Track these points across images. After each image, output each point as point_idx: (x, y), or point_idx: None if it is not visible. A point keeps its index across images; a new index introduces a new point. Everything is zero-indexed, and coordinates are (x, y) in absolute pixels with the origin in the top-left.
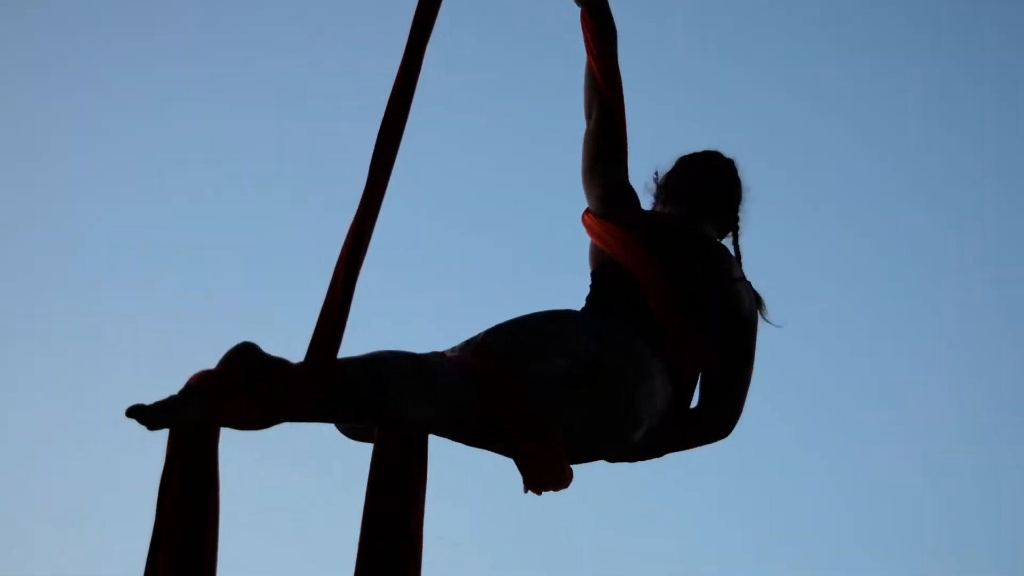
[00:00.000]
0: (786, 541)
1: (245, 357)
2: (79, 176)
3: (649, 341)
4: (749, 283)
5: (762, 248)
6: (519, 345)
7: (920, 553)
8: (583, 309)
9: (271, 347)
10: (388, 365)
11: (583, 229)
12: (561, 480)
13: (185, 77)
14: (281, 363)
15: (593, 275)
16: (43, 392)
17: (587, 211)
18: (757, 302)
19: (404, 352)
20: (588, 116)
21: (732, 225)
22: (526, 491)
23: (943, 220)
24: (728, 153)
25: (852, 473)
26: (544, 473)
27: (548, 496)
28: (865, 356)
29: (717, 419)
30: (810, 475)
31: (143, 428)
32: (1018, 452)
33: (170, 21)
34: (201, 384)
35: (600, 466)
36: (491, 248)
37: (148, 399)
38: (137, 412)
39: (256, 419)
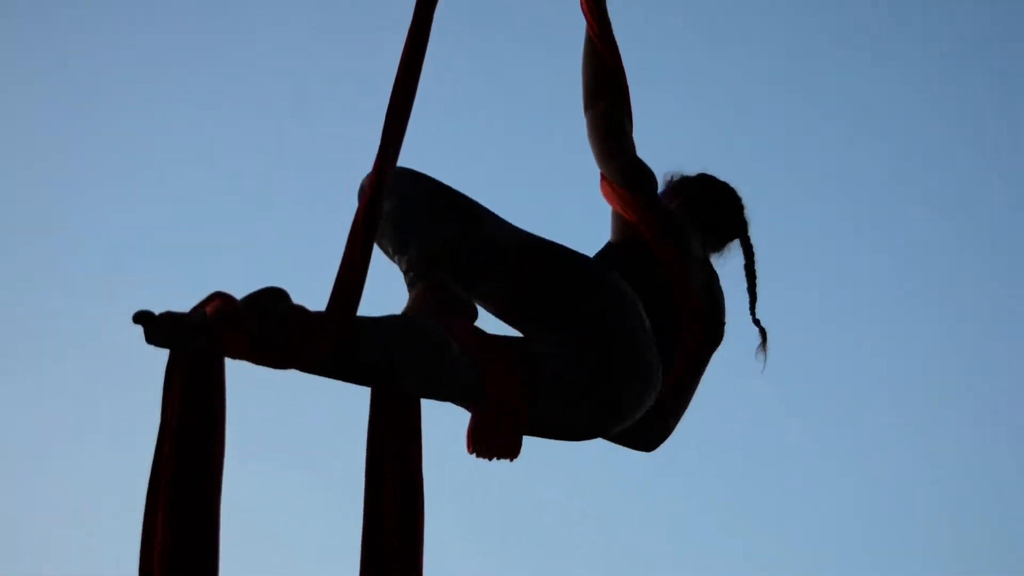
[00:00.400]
0: (786, 542)
1: (267, 304)
2: (80, 179)
3: (658, 331)
4: None
5: (767, 250)
6: (538, 312)
7: (924, 554)
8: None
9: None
10: (401, 337)
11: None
12: (513, 454)
13: (186, 79)
14: (300, 317)
15: (616, 245)
16: (44, 392)
17: (611, 183)
18: (763, 339)
19: (420, 324)
20: (595, 95)
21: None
22: (471, 452)
23: (948, 221)
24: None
25: (858, 475)
26: (500, 446)
27: (545, 493)
28: (871, 357)
29: (653, 433)
30: (815, 477)
31: (142, 339)
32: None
33: (171, 23)
34: (214, 317)
35: (603, 470)
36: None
37: (148, 399)
38: (144, 318)
39: (260, 362)
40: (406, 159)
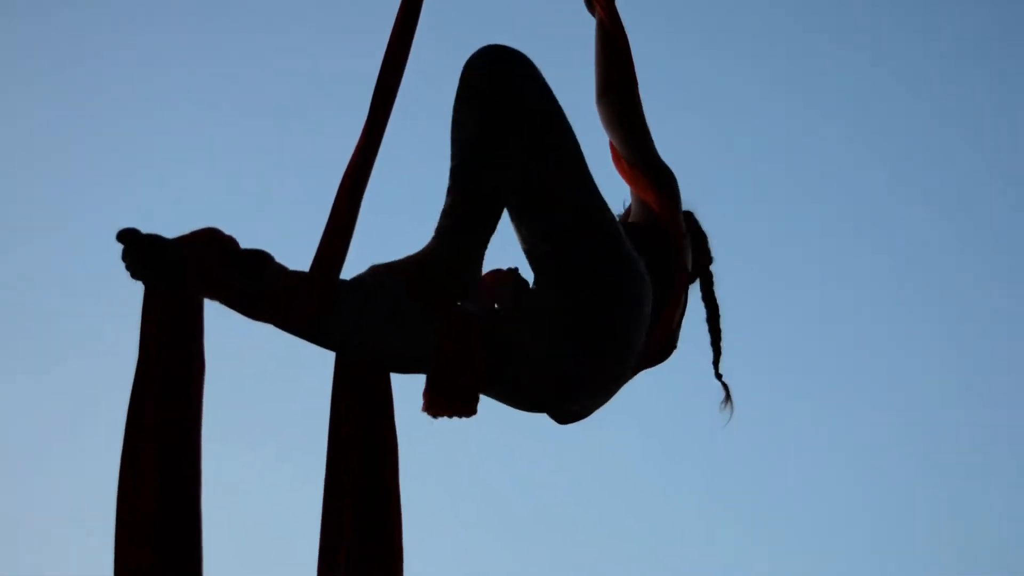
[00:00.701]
0: (784, 542)
1: (253, 266)
2: (80, 179)
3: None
4: None
5: (772, 248)
6: (558, 277)
7: (923, 555)
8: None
9: (267, 345)
10: (372, 313)
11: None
12: (469, 412)
13: (186, 79)
14: (283, 285)
15: (635, 226)
16: (44, 392)
17: (634, 167)
18: (727, 395)
19: (398, 305)
20: (612, 82)
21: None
22: (424, 411)
23: (948, 221)
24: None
25: (858, 474)
26: (454, 407)
27: (554, 489)
28: (871, 357)
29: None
30: (814, 475)
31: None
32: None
33: (171, 23)
34: (197, 263)
35: (603, 461)
36: None
37: None
38: (129, 237)
39: (236, 311)
40: (407, 155)
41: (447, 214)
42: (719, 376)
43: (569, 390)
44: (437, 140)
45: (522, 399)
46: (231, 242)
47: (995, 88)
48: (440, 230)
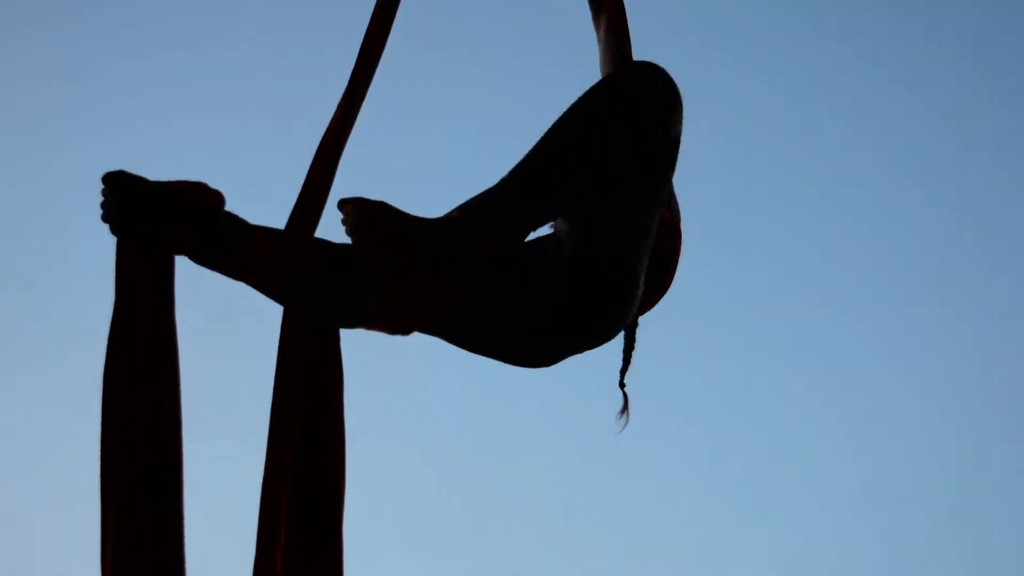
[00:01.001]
0: (782, 538)
1: (230, 228)
2: (80, 177)
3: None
4: None
5: (772, 247)
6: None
7: (922, 555)
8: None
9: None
10: (328, 290)
11: None
12: (405, 332)
13: (186, 78)
14: (256, 251)
15: None
16: (44, 392)
17: None
18: (625, 406)
19: (358, 286)
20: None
21: None
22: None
23: (948, 221)
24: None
25: (860, 473)
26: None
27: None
28: (872, 356)
29: None
30: (815, 472)
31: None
32: None
33: (171, 23)
34: (177, 217)
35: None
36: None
37: None
38: (115, 180)
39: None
40: (412, 156)
41: (484, 203)
42: (623, 385)
43: (505, 356)
44: (412, 121)
45: (458, 342)
46: (217, 198)
47: (995, 88)
48: (466, 214)
